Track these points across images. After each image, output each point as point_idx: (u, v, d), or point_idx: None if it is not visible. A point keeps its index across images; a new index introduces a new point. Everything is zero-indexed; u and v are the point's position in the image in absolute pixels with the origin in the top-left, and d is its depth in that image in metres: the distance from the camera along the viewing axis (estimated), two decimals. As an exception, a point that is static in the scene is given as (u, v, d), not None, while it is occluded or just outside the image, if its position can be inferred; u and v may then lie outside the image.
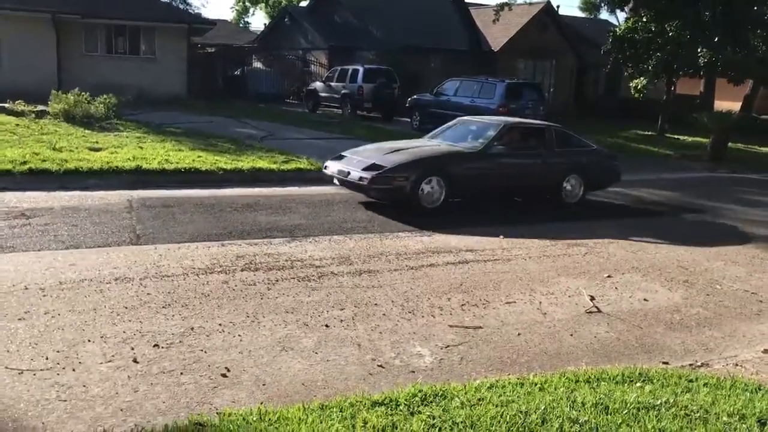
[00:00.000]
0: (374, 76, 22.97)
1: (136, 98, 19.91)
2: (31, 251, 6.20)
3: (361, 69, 23.27)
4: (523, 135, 10.17)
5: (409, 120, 21.09)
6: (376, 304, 5.35)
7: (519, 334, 4.92)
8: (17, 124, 13.82)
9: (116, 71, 22.82)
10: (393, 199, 8.77)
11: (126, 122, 15.81)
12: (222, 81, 29.54)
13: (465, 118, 10.76)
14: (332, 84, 24.22)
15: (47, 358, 3.99)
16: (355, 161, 9.00)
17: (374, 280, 5.95)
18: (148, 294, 5.20)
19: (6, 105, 15.78)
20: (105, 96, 16.11)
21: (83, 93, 15.91)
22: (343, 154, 9.59)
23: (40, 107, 15.85)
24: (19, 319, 4.53)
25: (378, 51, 27.13)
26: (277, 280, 5.75)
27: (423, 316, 5.15)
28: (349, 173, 8.78)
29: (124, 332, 4.44)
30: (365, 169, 8.67)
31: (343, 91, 23.33)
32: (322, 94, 24.64)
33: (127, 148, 11.61)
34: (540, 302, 5.68)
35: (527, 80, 23.65)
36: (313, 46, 30.91)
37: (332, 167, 9.15)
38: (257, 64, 32.68)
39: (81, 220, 7.42)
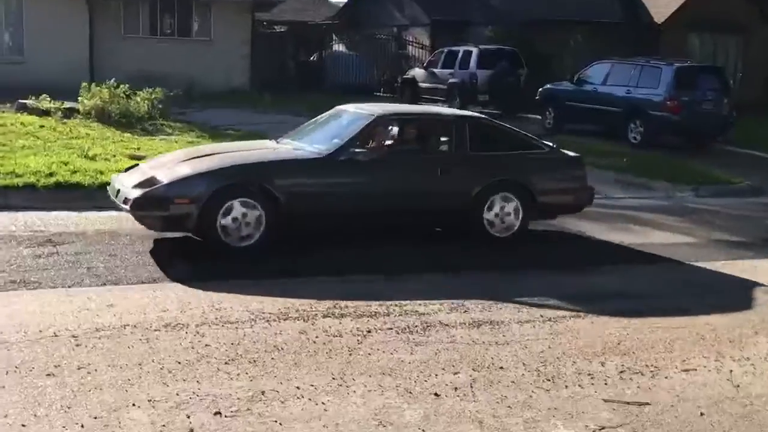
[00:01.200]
0: (493, 60, 23.01)
1: (187, 91, 20.79)
2: (61, 288, 6.53)
3: (475, 51, 23.39)
4: (411, 131, 9.13)
5: (539, 117, 20.95)
6: (501, 367, 5.31)
7: (702, 414, 4.75)
8: (42, 126, 14.71)
9: (162, 57, 23.93)
10: (181, 230, 7.83)
11: (174, 122, 16.52)
12: (294, 68, 30.40)
13: (343, 107, 9.42)
14: (436, 71, 24.43)
15: (82, 426, 4.18)
16: (138, 173, 8.16)
17: (498, 335, 5.92)
18: (206, 345, 5.37)
19: (28, 102, 16.83)
20: (148, 90, 16.91)
21: (121, 85, 16.75)
22: (141, 163, 9.08)
23: (69, 104, 16.80)
24: (48, 375, 4.77)
25: (498, 27, 27.20)
26: (369, 331, 5.82)
27: (567, 386, 5.06)
28: (118, 192, 7.88)
29: (177, 394, 4.59)
30: (137, 186, 7.71)
31: (450, 80, 23.49)
32: (423, 85, 24.90)
33: (176, 156, 12.09)
34: (731, 370, 5.48)
35: (705, 63, 22.99)
36: (411, 21, 31.37)
37: (114, 184, 8.21)
38: (339, 47, 33.44)
39: (120, 249, 7.77)
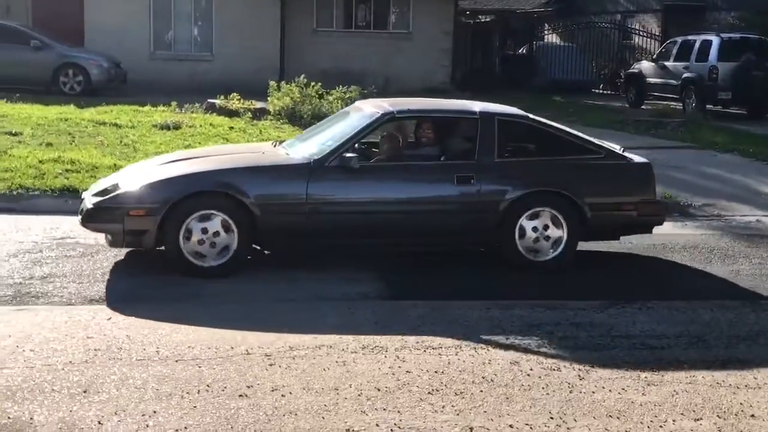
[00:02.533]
0: (736, 51, 22.04)
1: (382, 89, 21.28)
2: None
3: (715, 40, 22.48)
4: (425, 132, 8.39)
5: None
6: (752, 415, 5.05)
7: None
8: (231, 127, 15.53)
9: (356, 53, 24.66)
10: (139, 247, 7.61)
11: (369, 124, 16.92)
12: (500, 63, 30.43)
13: (358, 103, 9.07)
14: (667, 64, 23.72)
15: (276, 453, 4.35)
16: (108, 181, 8.06)
17: (747, 377, 5.64)
18: (407, 372, 5.45)
19: (217, 101, 17.81)
20: (342, 88, 17.45)
21: (313, 84, 17.39)
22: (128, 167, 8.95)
23: (259, 104, 17.64)
24: (241, 396, 5.01)
25: (743, 12, 25.99)
26: (592, 366, 5.70)
27: (836, 443, 4.74)
28: (83, 201, 7.80)
29: (376, 425, 4.69)
30: (96, 194, 7.62)
31: (684, 75, 22.72)
32: (652, 80, 24.24)
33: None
34: None
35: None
36: (638, 7, 30.68)
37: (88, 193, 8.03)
38: (551, 38, 33.18)
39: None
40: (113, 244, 7.61)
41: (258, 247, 7.80)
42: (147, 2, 24.54)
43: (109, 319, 6.31)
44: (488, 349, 5.94)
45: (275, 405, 4.89)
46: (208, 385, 5.11)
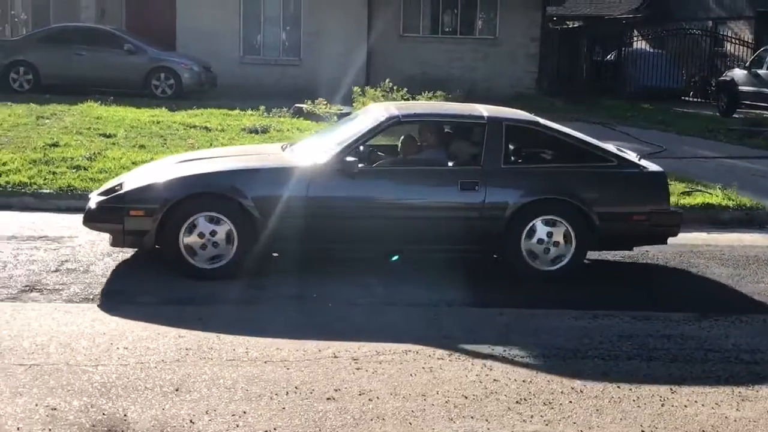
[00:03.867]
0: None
1: (467, 95, 21.24)
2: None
3: (811, 47, 21.87)
4: (431, 136, 8.36)
5: None
6: None
7: None
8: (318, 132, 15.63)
9: (441, 58, 24.68)
10: (140, 248, 7.70)
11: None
12: (588, 69, 30.08)
13: (372, 105, 8.89)
14: (761, 72, 23.19)
15: (364, 458, 4.36)
16: (115, 180, 8.22)
17: None
18: (494, 380, 5.41)
19: (304, 106, 17.97)
20: (427, 93, 17.46)
21: (398, 89, 17.44)
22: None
23: (345, 108, 17.73)
24: (328, 399, 5.03)
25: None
26: (684, 379, 5.58)
27: None
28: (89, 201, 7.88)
29: (464, 433, 4.67)
30: (101, 194, 7.75)
31: (779, 84, 22.17)
32: (744, 88, 23.70)
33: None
34: None
35: None
36: (730, 13, 30.02)
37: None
38: (641, 44, 32.65)
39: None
40: (114, 243, 7.62)
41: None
42: (237, 8, 24.92)
43: (200, 318, 6.39)
44: (577, 360, 5.86)
45: (362, 409, 4.90)
46: (296, 387, 5.15)
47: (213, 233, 7.30)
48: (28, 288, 6.93)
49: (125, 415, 4.71)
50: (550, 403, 5.11)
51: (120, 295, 6.94)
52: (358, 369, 5.50)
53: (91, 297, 6.81)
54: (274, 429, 4.62)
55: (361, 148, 7.96)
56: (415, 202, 7.72)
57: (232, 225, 7.30)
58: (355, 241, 7.70)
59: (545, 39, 26.61)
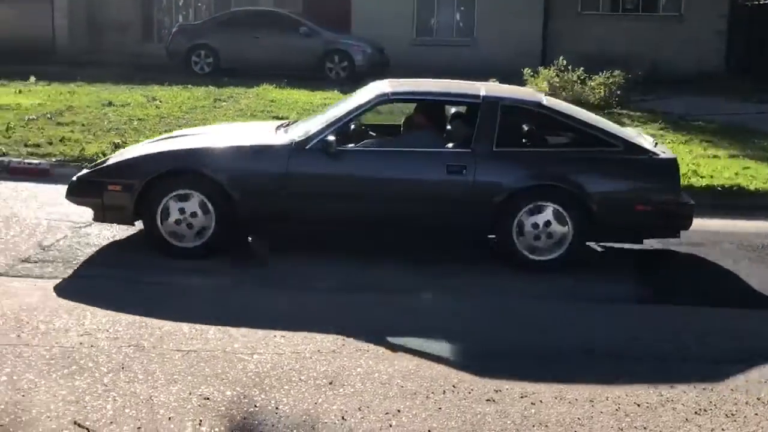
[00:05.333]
0: None
1: (648, 75, 20.31)
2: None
3: None
4: (423, 116, 7.83)
5: None
6: None
7: None
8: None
9: (621, 37, 23.70)
10: (121, 223, 7.57)
11: (634, 111, 16.20)
12: (779, 48, 28.29)
13: (373, 83, 8.19)
14: None
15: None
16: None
17: None
18: (671, 387, 4.98)
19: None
20: (606, 73, 16.75)
21: (573, 69, 16.80)
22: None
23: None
24: (488, 401, 4.75)
25: None
26: None
27: None
28: None
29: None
30: (88, 169, 7.74)
31: None
32: None
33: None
34: None
35: None
36: None
37: None
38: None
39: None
40: (95, 218, 7.54)
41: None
42: (412, -11, 24.79)
43: (362, 308, 6.23)
44: (760, 365, 5.33)
45: (524, 413, 4.59)
46: (453, 386, 4.89)
47: (192, 213, 7.17)
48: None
49: (277, 408, 4.57)
50: (732, 415, 4.65)
51: (294, 278, 6.87)
52: (521, 369, 5.18)
53: (245, 281, 6.79)
54: (429, 431, 4.38)
55: (353, 126, 7.69)
56: (398, 184, 7.29)
57: (210, 203, 7.15)
58: (336, 222, 7.47)
59: (734, 15, 25.14)
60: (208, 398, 4.64)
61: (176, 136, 8.37)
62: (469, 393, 4.81)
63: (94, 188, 7.34)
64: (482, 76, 18.20)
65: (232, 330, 5.63)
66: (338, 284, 6.77)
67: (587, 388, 4.93)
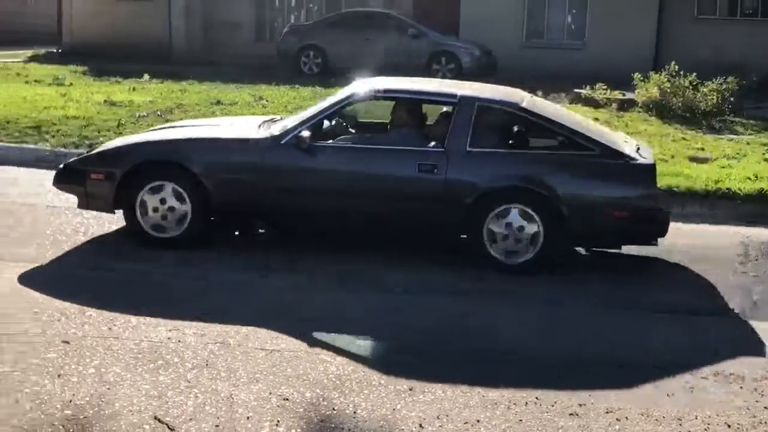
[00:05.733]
0: None
1: (764, 82, 19.60)
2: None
3: None
4: (398, 114, 7.71)
5: None
6: None
7: None
8: (595, 119, 14.92)
9: (737, 42, 22.92)
10: (104, 211, 7.66)
11: (747, 119, 15.64)
12: None
13: (357, 81, 8.07)
14: None
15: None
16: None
17: None
18: (765, 408, 4.75)
19: (583, 91, 17.31)
20: (719, 80, 16.22)
21: (685, 75, 16.32)
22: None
23: (628, 95, 16.90)
24: (571, 415, 4.62)
25: None
26: None
27: None
28: None
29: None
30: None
31: None
32: None
33: (748, 161, 11.35)
34: None
35: None
36: None
37: None
38: None
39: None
40: (80, 206, 7.67)
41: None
42: (522, -9, 24.53)
43: (444, 308, 6.15)
44: None
45: (608, 430, 4.43)
46: (536, 398, 4.76)
47: (169, 205, 7.27)
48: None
49: (355, 412, 4.54)
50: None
51: (360, 276, 6.85)
52: (606, 382, 5.03)
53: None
54: (507, 443, 4.28)
55: (328, 122, 7.65)
56: (370, 181, 7.30)
57: (186, 194, 7.24)
58: (307, 218, 7.52)
59: None
60: (287, 399, 4.64)
61: (169, 127, 8.69)
62: (552, 406, 4.67)
63: (78, 176, 7.53)
64: (592, 79, 17.93)
65: (315, 331, 5.63)
66: (415, 285, 6.72)
67: (678, 405, 4.74)
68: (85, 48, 24.90)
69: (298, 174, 7.31)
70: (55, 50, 26.69)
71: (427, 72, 21.36)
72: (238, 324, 5.65)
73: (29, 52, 25.61)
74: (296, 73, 21.36)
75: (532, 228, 7.01)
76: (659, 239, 7.29)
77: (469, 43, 22.16)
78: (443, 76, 21.25)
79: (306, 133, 7.22)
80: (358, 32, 22.00)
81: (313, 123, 7.39)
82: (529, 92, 17.15)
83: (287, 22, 26.29)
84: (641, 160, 7.21)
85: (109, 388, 4.67)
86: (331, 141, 7.46)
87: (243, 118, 9.90)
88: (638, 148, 7.53)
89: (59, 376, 4.77)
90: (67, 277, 6.59)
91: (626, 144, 7.62)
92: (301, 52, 22.39)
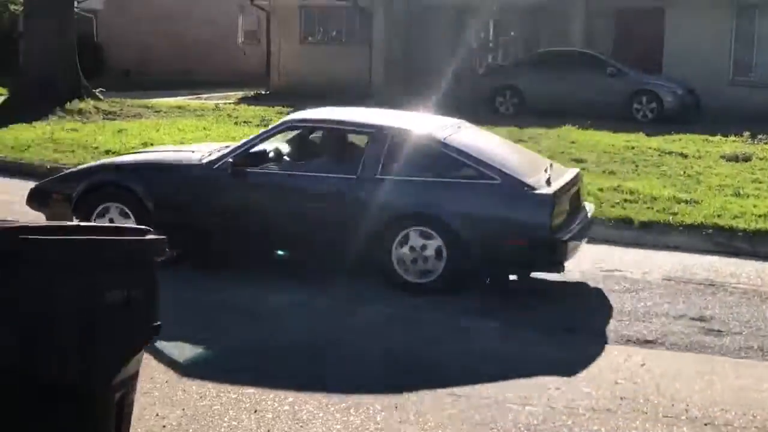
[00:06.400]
0: None
1: None
2: None
3: None
4: (319, 143, 8.64)
5: None
6: None
7: None
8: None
9: None
10: None
11: None
12: None
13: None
14: None
15: None
16: None
17: None
18: None
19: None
20: None
21: None
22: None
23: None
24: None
25: None
26: None
27: None
28: None
29: None
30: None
31: None
32: None
33: None
34: None
35: None
36: None
37: None
38: None
39: None
40: None
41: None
42: (729, 27, 23.55)
43: (643, 365, 5.94)
44: None
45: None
46: None
47: (113, 220, 7.78)
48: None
49: None
50: None
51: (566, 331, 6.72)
52: None
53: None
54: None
55: (264, 149, 7.98)
56: (287, 205, 7.82)
57: (132, 216, 7.77)
58: (234, 240, 8.04)
59: None
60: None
61: (137, 152, 9.92)
62: None
63: (44, 197, 8.22)
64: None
65: (505, 378, 5.57)
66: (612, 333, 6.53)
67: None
68: (290, 89, 25.98)
69: (225, 197, 7.93)
70: (263, 92, 27.97)
71: (627, 112, 20.91)
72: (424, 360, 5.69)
73: (239, 94, 26.99)
74: (492, 113, 21.36)
75: (434, 252, 7.37)
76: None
77: (672, 81, 21.55)
78: (644, 116, 20.82)
79: (235, 159, 7.78)
80: (555, 72, 21.80)
81: (241, 151, 7.91)
82: (733, 133, 16.61)
83: (483, 63, 26.44)
84: (541, 190, 7.38)
85: (301, 426, 4.78)
86: (257, 168, 7.85)
87: (206, 145, 10.02)
88: (548, 179, 7.56)
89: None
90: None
91: (542, 174, 7.68)
92: (497, 92, 22.43)
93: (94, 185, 7.99)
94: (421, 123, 8.52)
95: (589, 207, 8.59)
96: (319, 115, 8.77)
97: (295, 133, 8.56)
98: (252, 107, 21.93)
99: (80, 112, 18.58)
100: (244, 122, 18.35)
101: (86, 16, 31.18)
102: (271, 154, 8.21)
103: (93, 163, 8.97)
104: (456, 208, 7.46)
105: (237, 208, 7.91)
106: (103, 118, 18.26)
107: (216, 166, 7.88)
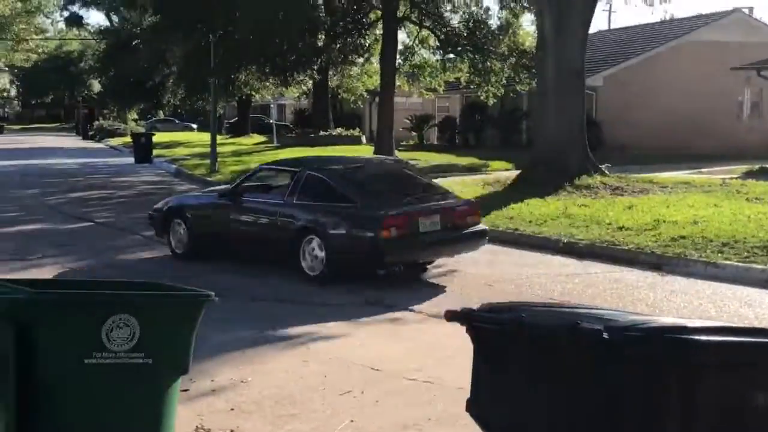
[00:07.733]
0: None
1: None
2: None
3: None
4: (272, 179, 12.42)
5: None
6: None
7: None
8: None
9: None
10: (157, 235, 13.49)
11: None
12: None
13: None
14: None
15: None
16: None
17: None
18: None
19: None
20: None
21: None
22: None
23: None
24: None
25: None
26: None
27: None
28: None
29: None
30: None
31: None
32: None
33: None
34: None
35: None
36: None
37: None
38: None
39: None
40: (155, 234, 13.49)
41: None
42: None
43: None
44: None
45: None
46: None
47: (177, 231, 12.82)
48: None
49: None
50: None
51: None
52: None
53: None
54: None
55: (253, 184, 12.28)
56: (253, 221, 11.61)
57: (184, 226, 12.65)
58: (229, 242, 12.09)
59: None
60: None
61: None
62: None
63: (151, 218, 13.22)
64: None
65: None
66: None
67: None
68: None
69: (224, 216, 11.91)
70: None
71: None
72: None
73: (743, 168, 25.42)
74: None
75: (321, 252, 10.49)
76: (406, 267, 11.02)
77: None
78: None
79: (227, 191, 12.34)
80: None
81: (235, 185, 12.43)
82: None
83: None
84: (377, 213, 10.32)
85: None
86: (243, 197, 11.80)
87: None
88: (405, 204, 10.76)
89: None
90: None
91: (398, 198, 10.99)
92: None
93: (169, 211, 13.06)
94: (338, 164, 12.39)
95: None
96: (274, 162, 14.58)
97: (265, 173, 12.69)
98: (761, 182, 20.77)
99: (588, 187, 18.89)
100: (756, 199, 17.25)
101: (588, 93, 32.15)
102: (261, 188, 12.13)
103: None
104: (326, 224, 10.62)
105: (231, 224, 11.83)
106: (611, 194, 18.39)
107: (221, 195, 12.34)
